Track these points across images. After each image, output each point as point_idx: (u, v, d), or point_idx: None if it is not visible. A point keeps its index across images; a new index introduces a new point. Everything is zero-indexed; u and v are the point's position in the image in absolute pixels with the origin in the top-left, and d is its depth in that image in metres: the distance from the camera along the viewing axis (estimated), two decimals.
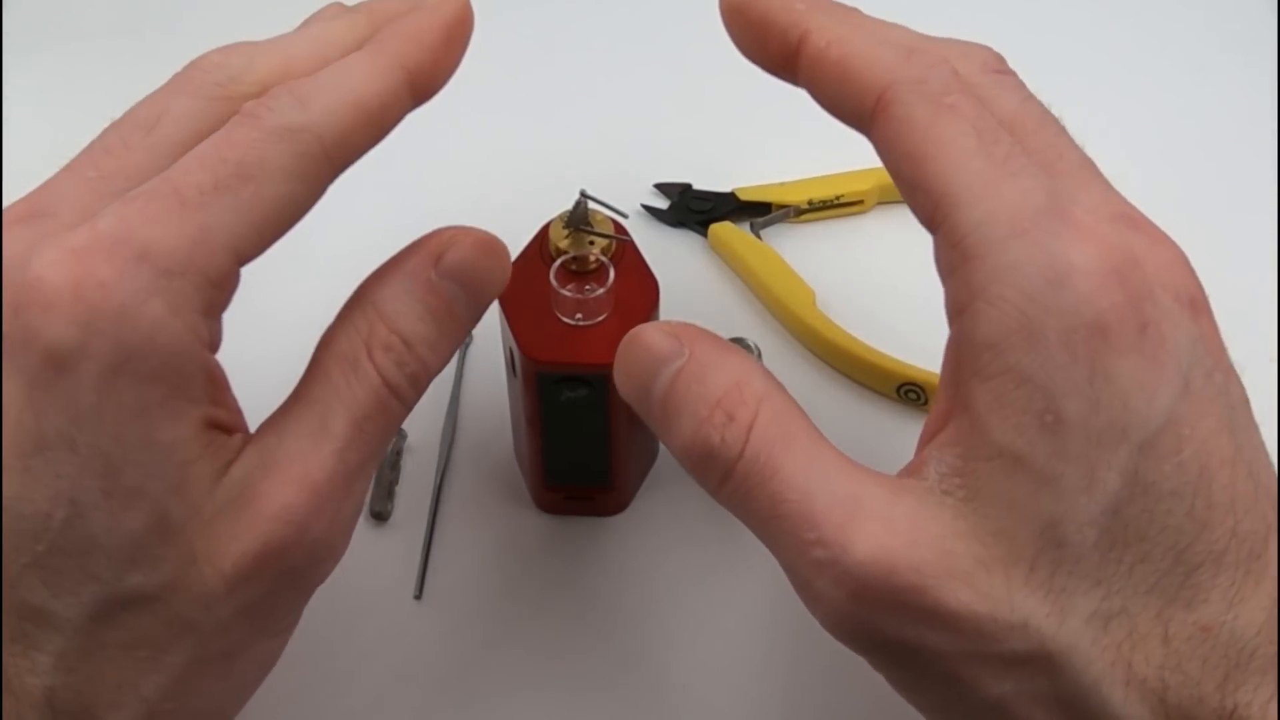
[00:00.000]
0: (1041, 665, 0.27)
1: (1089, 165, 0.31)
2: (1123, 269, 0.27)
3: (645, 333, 0.31)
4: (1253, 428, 0.29)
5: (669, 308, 0.41)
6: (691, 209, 0.53)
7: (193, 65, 0.31)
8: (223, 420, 0.29)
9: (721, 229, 0.52)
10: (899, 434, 0.46)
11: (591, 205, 0.40)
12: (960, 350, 0.28)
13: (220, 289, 0.28)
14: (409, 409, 0.31)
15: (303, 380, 0.30)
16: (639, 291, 0.40)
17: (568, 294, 0.39)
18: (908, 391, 0.46)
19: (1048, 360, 0.27)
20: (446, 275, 0.31)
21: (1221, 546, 0.27)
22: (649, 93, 0.59)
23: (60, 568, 0.27)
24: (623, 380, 0.32)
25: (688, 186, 0.54)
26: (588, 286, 0.39)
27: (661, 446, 0.46)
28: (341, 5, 0.33)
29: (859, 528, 0.27)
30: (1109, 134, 0.56)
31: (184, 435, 0.27)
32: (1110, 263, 0.27)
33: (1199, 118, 0.57)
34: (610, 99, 0.58)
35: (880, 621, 0.27)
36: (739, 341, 0.43)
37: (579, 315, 0.39)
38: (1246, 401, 0.29)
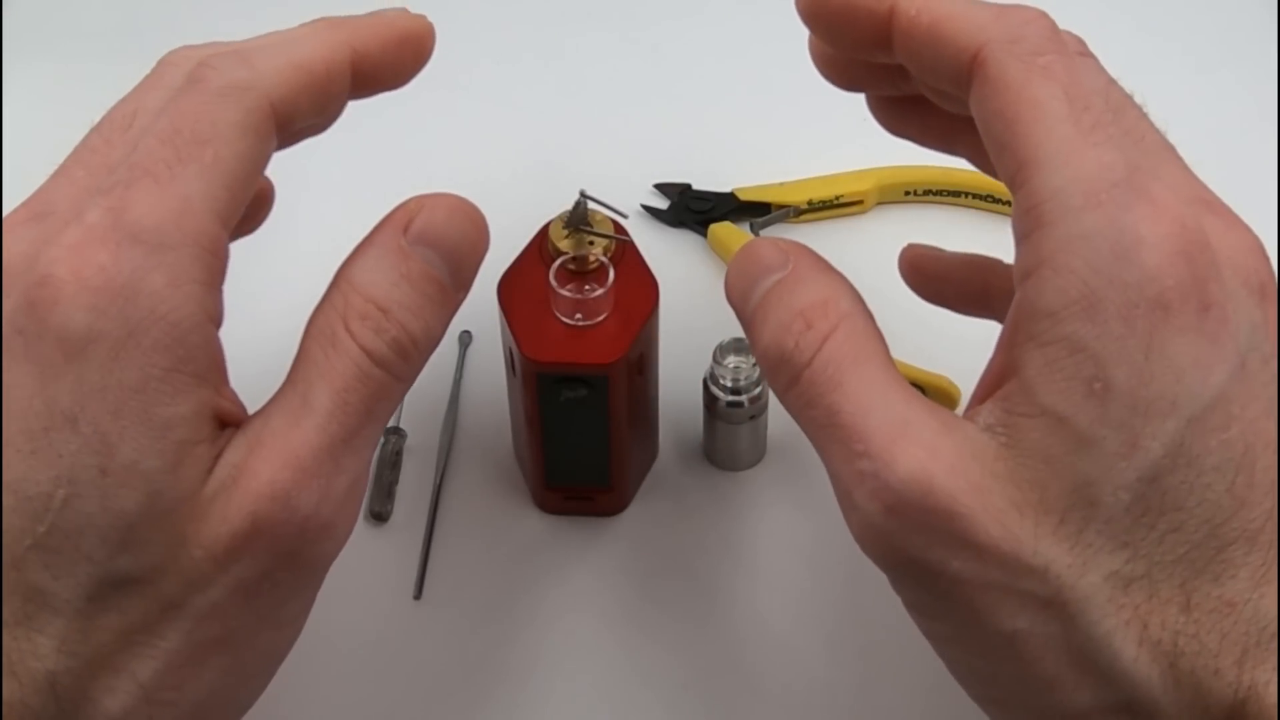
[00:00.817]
0: (1056, 610, 0.27)
1: (1170, 149, 0.31)
2: (1191, 249, 0.28)
3: (757, 245, 0.33)
4: None
5: (669, 308, 0.41)
6: (691, 209, 0.54)
7: (162, 62, 0.32)
8: (225, 411, 0.29)
9: (721, 229, 0.52)
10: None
11: (591, 205, 0.40)
12: (1020, 314, 0.28)
13: (214, 255, 0.29)
14: (402, 380, 0.31)
15: (293, 363, 0.30)
16: (639, 292, 0.40)
17: (567, 294, 0.39)
18: None
19: (1104, 332, 0.27)
20: (417, 240, 0.31)
21: (1257, 526, 0.27)
22: (649, 93, 0.59)
23: (59, 548, 0.27)
24: (731, 286, 0.33)
25: (687, 186, 0.54)
26: (587, 287, 0.39)
27: (661, 447, 0.46)
28: (327, 18, 0.33)
29: (904, 448, 0.28)
30: None
31: (183, 413, 0.28)
32: (1180, 241, 0.27)
33: (1198, 117, 0.57)
34: (610, 99, 0.58)
35: (910, 540, 0.28)
36: (739, 342, 0.43)
37: (579, 315, 0.39)
38: None
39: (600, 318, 0.39)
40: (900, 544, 0.28)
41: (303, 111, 0.31)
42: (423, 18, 0.33)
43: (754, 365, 0.43)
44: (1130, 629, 0.27)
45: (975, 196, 0.53)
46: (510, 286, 0.40)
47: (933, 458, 0.28)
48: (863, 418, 0.29)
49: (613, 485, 0.43)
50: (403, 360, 0.31)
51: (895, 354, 0.47)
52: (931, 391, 0.45)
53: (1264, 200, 0.53)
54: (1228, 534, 0.27)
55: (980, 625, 0.28)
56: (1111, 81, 0.31)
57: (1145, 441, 0.27)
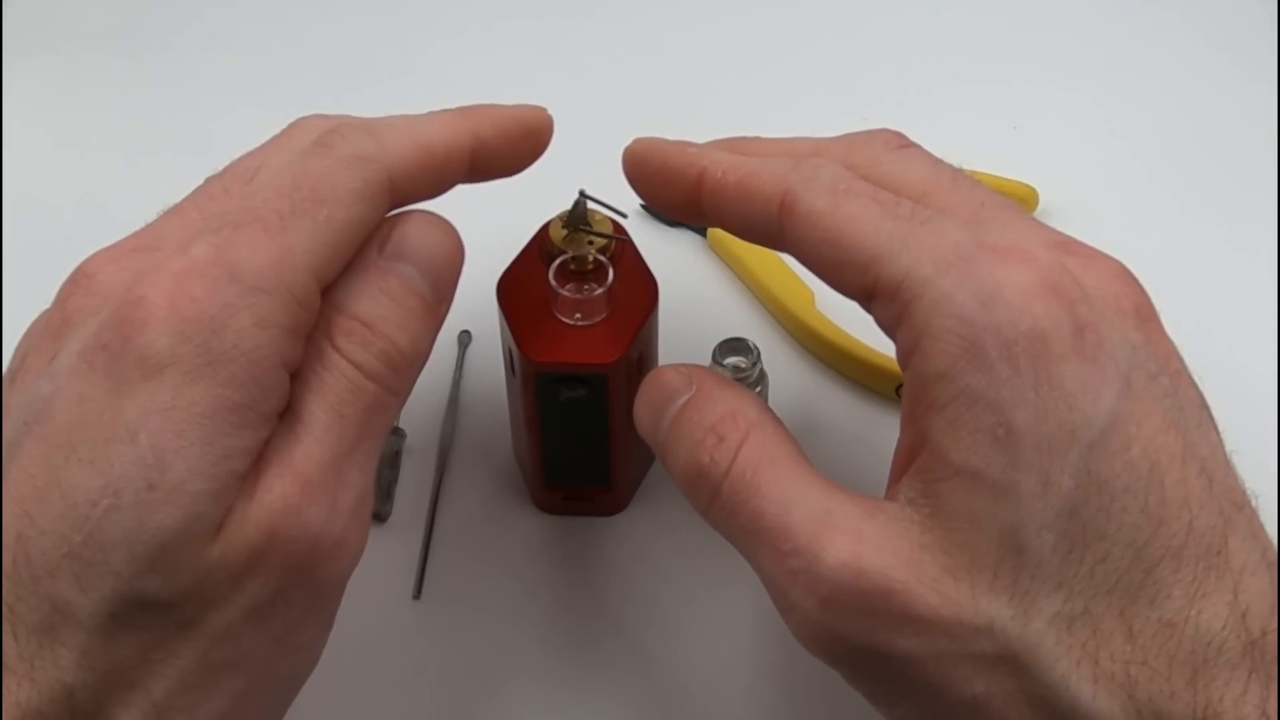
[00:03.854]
0: (1009, 666, 0.28)
1: (1013, 207, 0.32)
2: (1054, 281, 0.29)
3: (659, 373, 0.34)
4: (1207, 427, 0.30)
5: (668, 308, 0.41)
6: None
7: (293, 125, 0.34)
8: None
9: (721, 229, 0.52)
10: (898, 434, 0.46)
11: (591, 205, 0.40)
12: (913, 388, 0.29)
13: (304, 308, 0.29)
14: (394, 393, 0.31)
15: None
16: (638, 292, 0.40)
17: (567, 294, 0.39)
18: None
19: (993, 377, 0.28)
20: (393, 257, 0.32)
21: (1179, 542, 0.27)
22: (649, 93, 0.59)
23: (91, 559, 0.27)
24: (640, 419, 0.34)
25: None
26: (587, 286, 0.39)
27: None
28: (461, 106, 0.35)
29: (831, 538, 0.29)
30: (1109, 133, 0.57)
31: (243, 446, 0.28)
32: (1041, 277, 0.29)
33: (1198, 118, 0.57)
34: (610, 99, 0.58)
35: (851, 628, 0.29)
36: (739, 341, 0.43)
37: (578, 315, 0.39)
38: (1201, 403, 0.30)
39: (599, 317, 0.39)
40: (843, 633, 0.29)
41: (418, 189, 0.32)
42: (542, 111, 0.36)
43: (754, 365, 0.43)
44: (1083, 668, 0.27)
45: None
46: (509, 286, 0.40)
47: (859, 542, 0.28)
48: (785, 515, 0.30)
49: (612, 485, 0.43)
50: (393, 372, 0.31)
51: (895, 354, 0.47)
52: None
53: (1264, 200, 0.53)
54: (1152, 555, 0.27)
55: (940, 699, 0.28)
56: (936, 163, 0.33)
57: (1055, 477, 0.27)
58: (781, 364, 0.48)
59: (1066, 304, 0.28)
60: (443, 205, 0.51)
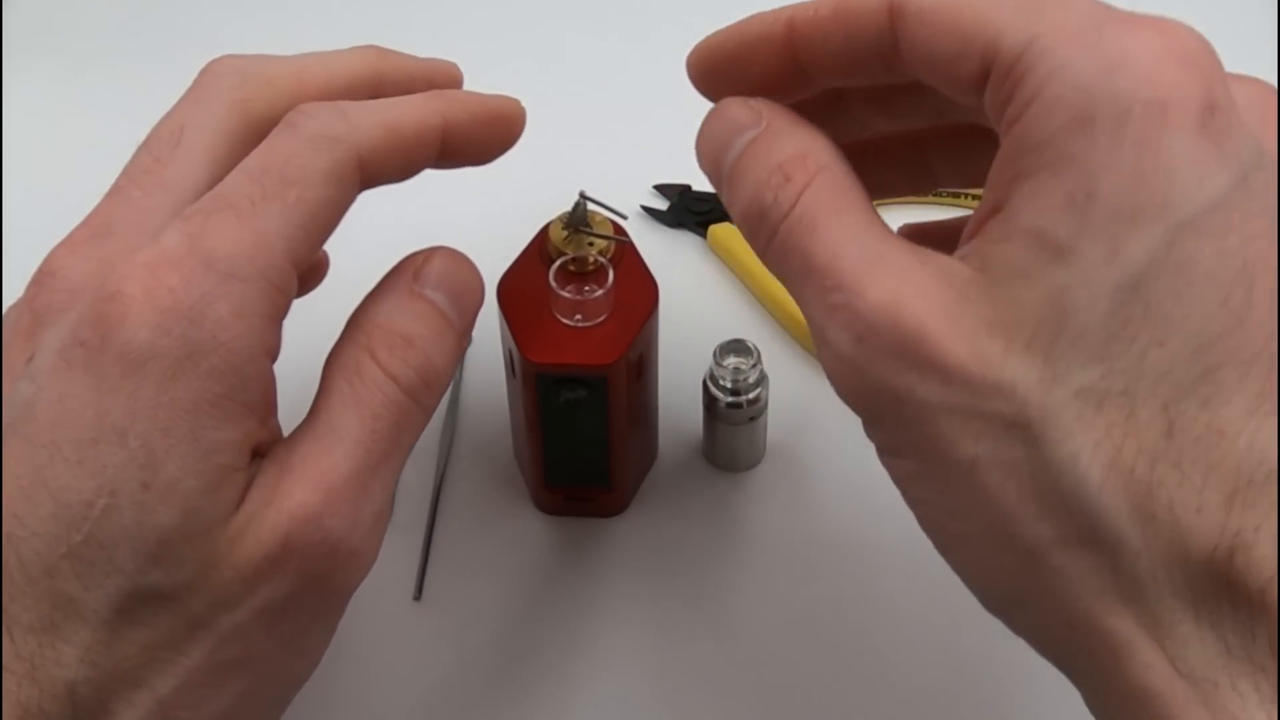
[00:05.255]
0: (1021, 433, 0.25)
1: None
2: (1191, 54, 0.25)
3: (727, 105, 0.31)
4: None
5: (668, 308, 0.41)
6: (691, 210, 0.54)
7: (204, 73, 0.33)
8: (262, 441, 0.29)
9: (721, 230, 0.52)
10: None
11: (591, 206, 0.40)
12: (1007, 155, 0.26)
13: (281, 293, 0.29)
14: (424, 409, 0.32)
15: (313, 401, 0.31)
16: (638, 292, 0.40)
17: (567, 295, 0.39)
18: None
19: (1093, 142, 0.25)
20: (427, 284, 0.32)
21: (1253, 351, 0.24)
22: (649, 93, 0.59)
23: (93, 559, 0.27)
24: (703, 151, 0.32)
25: (687, 187, 0.54)
26: (587, 288, 0.39)
27: (660, 447, 0.46)
28: (375, 47, 0.35)
29: (876, 278, 0.27)
30: None
31: (231, 439, 0.28)
32: (1177, 48, 0.25)
33: None
34: (610, 99, 0.58)
35: (878, 368, 0.27)
36: (739, 342, 0.43)
37: (578, 316, 0.39)
38: None
39: (600, 319, 0.39)
40: (869, 373, 0.27)
41: (388, 170, 0.32)
42: (516, 102, 0.35)
43: (754, 366, 0.43)
44: (1100, 451, 0.24)
45: (978, 197, 0.53)
46: (510, 287, 0.40)
47: (904, 283, 0.26)
48: (836, 257, 0.28)
49: (613, 486, 0.43)
50: (427, 389, 0.31)
51: None
52: None
53: None
54: (1220, 354, 0.24)
55: (942, 454, 0.26)
56: None
57: (1128, 247, 0.25)
58: (782, 364, 0.48)
59: (1201, 78, 0.25)
60: (444, 206, 0.52)
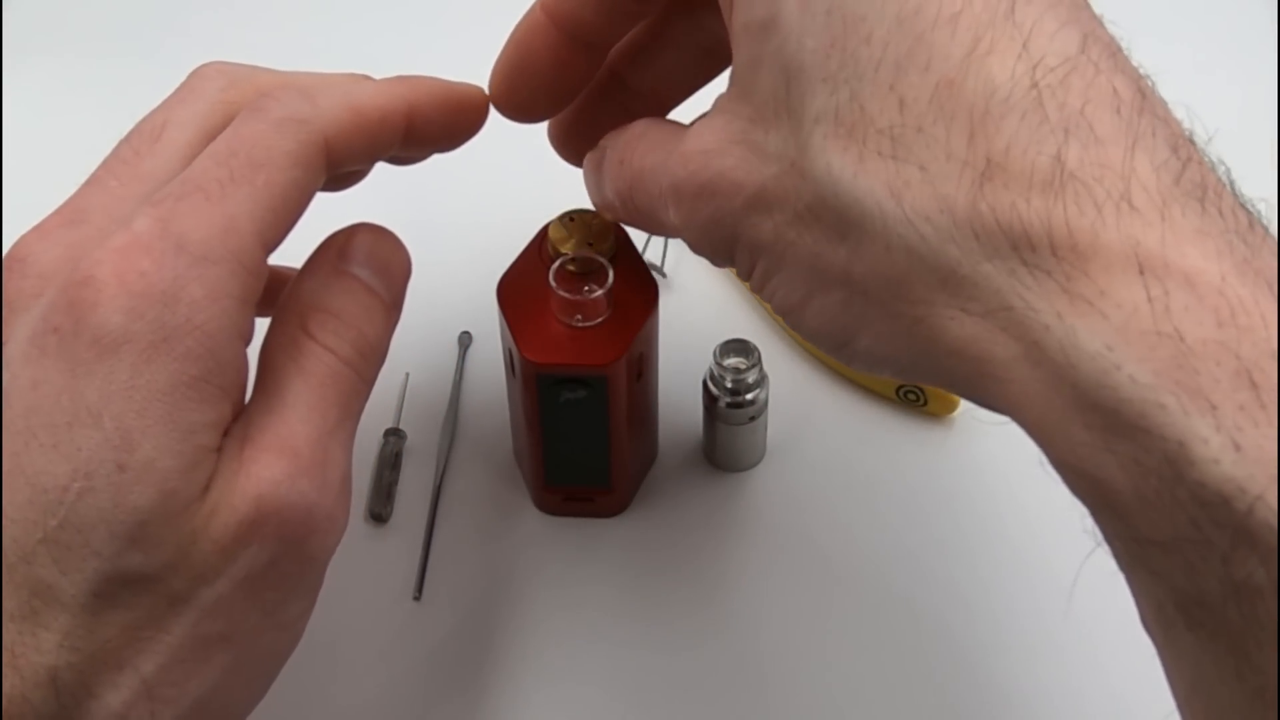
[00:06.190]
0: (792, 181, 0.28)
1: None
2: None
3: (585, 161, 0.36)
4: None
5: (668, 308, 0.41)
6: None
7: (194, 74, 0.34)
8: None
9: None
10: (899, 435, 0.46)
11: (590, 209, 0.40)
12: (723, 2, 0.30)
13: (253, 275, 0.29)
14: (365, 379, 0.32)
15: (255, 382, 0.31)
16: (638, 292, 0.40)
17: (567, 295, 0.39)
18: (907, 393, 0.46)
19: None
20: (353, 261, 0.33)
21: (955, 9, 0.25)
22: None
23: (69, 543, 0.27)
24: (604, 194, 0.36)
25: None
26: (587, 288, 0.39)
27: (661, 449, 0.46)
28: (398, 76, 0.35)
29: (681, 157, 0.30)
30: None
31: (206, 420, 0.28)
32: None
33: (1198, 118, 0.57)
34: None
35: (701, 216, 0.30)
36: (739, 342, 0.43)
37: (578, 316, 0.39)
38: None
39: (600, 319, 0.39)
40: (699, 223, 0.30)
41: (353, 153, 0.32)
42: (479, 89, 0.36)
43: (754, 366, 0.43)
44: (848, 153, 0.26)
45: None
46: (510, 287, 0.40)
47: (692, 142, 0.30)
48: (651, 169, 0.32)
49: (613, 486, 0.43)
50: (363, 360, 0.32)
51: None
52: (931, 391, 0.45)
53: (1264, 200, 0.53)
54: (923, 21, 0.25)
55: (745, 250, 0.30)
56: None
57: None
58: (781, 364, 0.48)
59: None
60: (445, 206, 0.52)
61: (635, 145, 0.33)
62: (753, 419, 0.44)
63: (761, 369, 0.43)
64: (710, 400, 0.43)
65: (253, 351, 0.31)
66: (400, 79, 0.34)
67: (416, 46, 0.61)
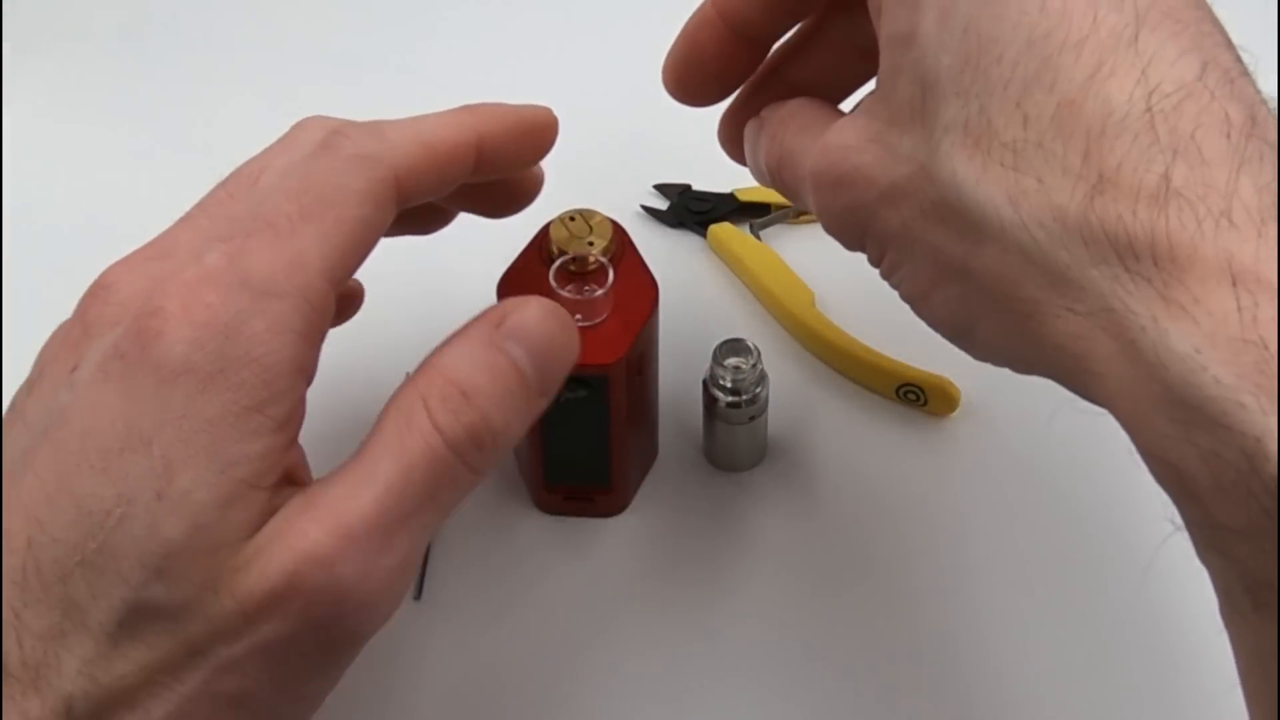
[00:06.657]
0: (921, 182, 0.29)
1: None
2: None
3: (748, 128, 0.38)
4: None
5: (668, 308, 0.41)
6: (691, 209, 0.54)
7: (296, 125, 0.34)
8: (293, 468, 0.29)
9: (721, 229, 0.52)
10: (898, 434, 0.46)
11: (589, 207, 0.40)
12: (872, 8, 0.31)
13: (318, 311, 0.29)
14: (472, 469, 0.30)
15: (365, 440, 0.30)
16: (639, 292, 0.40)
17: (567, 295, 0.39)
18: (907, 392, 0.46)
19: None
20: (508, 335, 0.31)
21: (1082, 35, 0.27)
22: (649, 93, 0.59)
23: (104, 568, 0.27)
24: (758, 162, 0.37)
25: (687, 187, 0.54)
26: (587, 288, 0.39)
27: (661, 447, 0.46)
28: (466, 105, 0.35)
29: (816, 145, 0.32)
30: None
31: (250, 453, 0.28)
32: None
33: None
34: (610, 99, 0.58)
35: (839, 203, 0.32)
36: (739, 341, 0.43)
37: (578, 316, 0.39)
38: None
39: (600, 318, 0.39)
40: (834, 210, 0.32)
41: (424, 187, 0.33)
42: (549, 110, 0.36)
43: (754, 366, 0.43)
44: (973, 161, 0.28)
45: None
46: (510, 287, 0.40)
47: (832, 136, 0.32)
48: (796, 151, 0.34)
49: (612, 486, 0.43)
50: (477, 449, 0.30)
51: (895, 354, 0.47)
52: (931, 391, 0.45)
53: None
54: (1051, 44, 0.27)
55: (879, 239, 0.31)
56: None
57: (950, 4, 0.28)
58: (781, 364, 0.48)
59: None
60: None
61: (787, 124, 0.35)
62: (753, 419, 0.44)
63: (761, 369, 0.43)
64: (710, 400, 0.43)
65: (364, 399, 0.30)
66: (468, 108, 0.34)
67: (422, 47, 0.61)
